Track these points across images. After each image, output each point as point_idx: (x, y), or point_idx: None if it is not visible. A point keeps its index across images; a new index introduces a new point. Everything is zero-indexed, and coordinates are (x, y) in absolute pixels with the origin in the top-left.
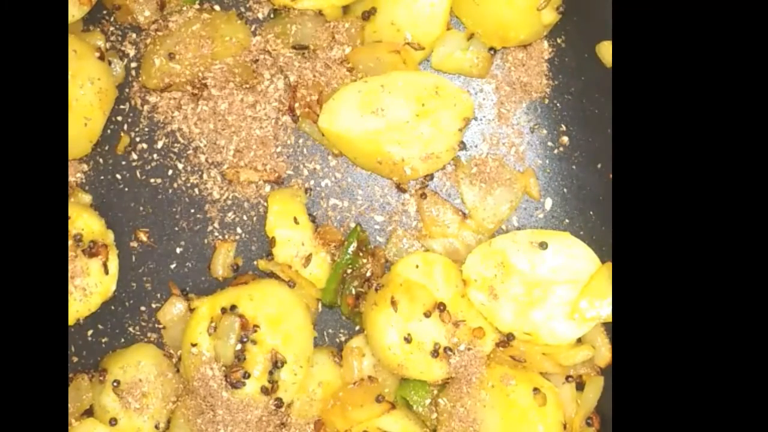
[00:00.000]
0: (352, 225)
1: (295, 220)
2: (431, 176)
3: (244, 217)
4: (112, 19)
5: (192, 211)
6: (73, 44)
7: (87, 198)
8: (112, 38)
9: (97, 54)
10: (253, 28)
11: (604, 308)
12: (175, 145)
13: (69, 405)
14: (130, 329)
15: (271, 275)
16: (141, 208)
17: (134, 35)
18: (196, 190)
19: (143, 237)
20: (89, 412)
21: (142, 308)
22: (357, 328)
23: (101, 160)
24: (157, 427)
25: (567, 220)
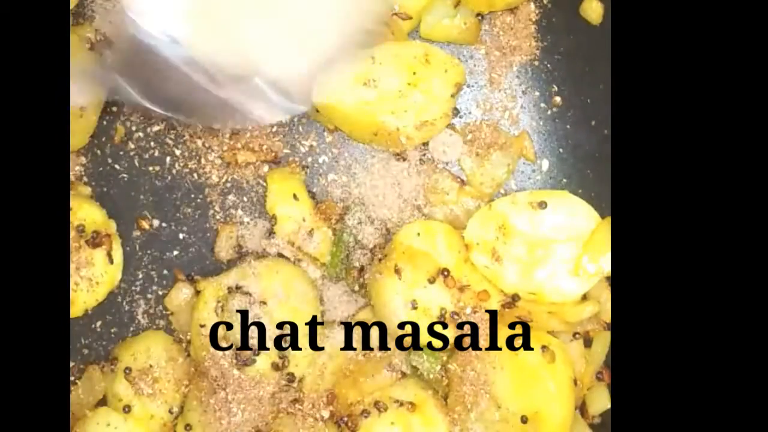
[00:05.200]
0: (352, 198)
1: (295, 197)
2: (427, 145)
3: (245, 199)
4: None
5: (192, 196)
6: None
7: (87, 190)
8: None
9: (88, 45)
10: None
11: (606, 263)
12: (171, 131)
13: (82, 396)
14: (139, 318)
15: (275, 253)
16: (141, 197)
17: None
18: (195, 175)
19: (145, 225)
20: (103, 402)
21: (149, 296)
22: (363, 301)
23: (99, 152)
24: (170, 411)
25: (564, 180)
